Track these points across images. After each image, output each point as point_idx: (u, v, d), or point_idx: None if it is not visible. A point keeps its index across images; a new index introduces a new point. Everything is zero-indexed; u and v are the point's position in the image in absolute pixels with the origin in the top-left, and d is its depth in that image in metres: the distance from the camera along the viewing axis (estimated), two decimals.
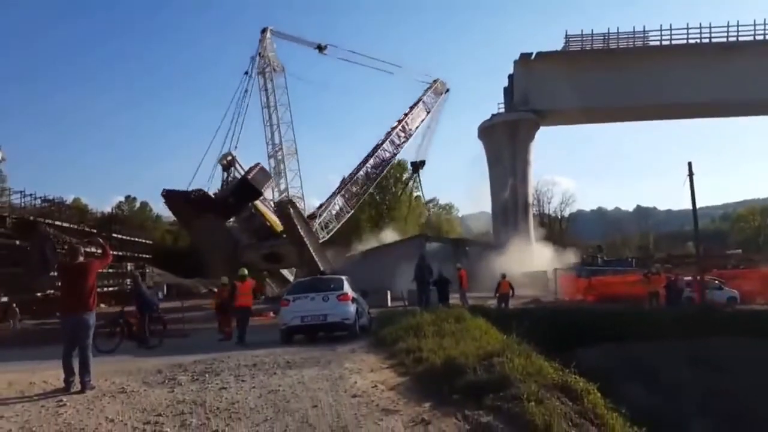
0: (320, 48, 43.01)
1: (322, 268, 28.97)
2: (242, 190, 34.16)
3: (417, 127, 45.27)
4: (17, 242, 37.22)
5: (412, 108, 44.82)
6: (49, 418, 5.88)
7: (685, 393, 12.81)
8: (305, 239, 34.00)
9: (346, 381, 6.97)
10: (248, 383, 7.06)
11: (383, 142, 42.90)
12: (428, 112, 46.32)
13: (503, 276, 24.12)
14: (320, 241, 37.89)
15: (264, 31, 40.56)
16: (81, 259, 7.45)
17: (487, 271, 31.83)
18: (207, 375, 7.72)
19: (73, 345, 7.18)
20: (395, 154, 45.09)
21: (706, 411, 11.74)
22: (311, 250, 34.20)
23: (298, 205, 37.58)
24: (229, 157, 35.78)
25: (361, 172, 42.41)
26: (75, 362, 7.20)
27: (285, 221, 34.54)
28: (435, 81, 47.48)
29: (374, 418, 5.37)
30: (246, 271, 15.52)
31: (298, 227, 34.01)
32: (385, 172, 46.95)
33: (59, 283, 7.46)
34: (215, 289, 19.26)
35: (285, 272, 40.09)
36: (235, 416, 5.65)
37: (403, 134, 44.20)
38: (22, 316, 32.25)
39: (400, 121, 43.84)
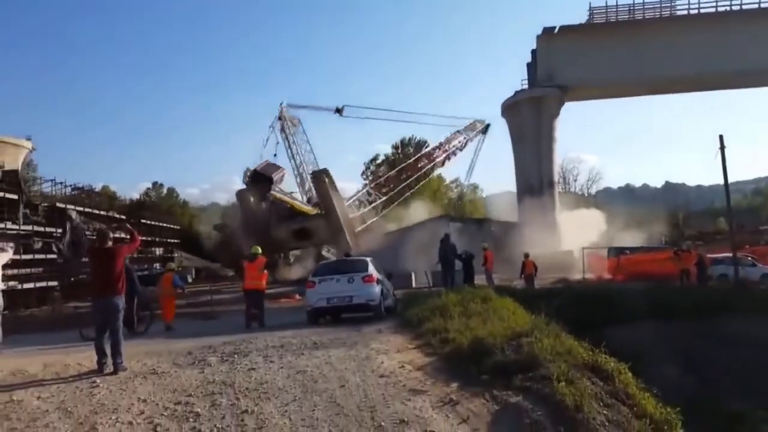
0: (338, 111, 45.90)
1: (350, 249, 29.99)
2: (256, 179, 39.67)
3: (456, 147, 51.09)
4: (48, 229, 38.06)
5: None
6: (84, 398, 6.01)
7: (720, 373, 12.55)
8: (336, 207, 36.34)
9: (373, 361, 6.97)
10: (276, 364, 7.11)
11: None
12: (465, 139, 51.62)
13: (526, 255, 23.97)
14: (356, 230, 39.93)
15: (281, 104, 44.26)
16: (110, 243, 7.56)
17: (512, 251, 31.56)
18: (236, 356, 7.80)
19: (104, 328, 7.32)
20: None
21: (741, 391, 11.49)
22: (341, 220, 36.41)
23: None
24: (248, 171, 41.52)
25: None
26: (107, 344, 7.34)
27: (319, 188, 37.39)
28: (472, 122, 53.33)
29: (402, 398, 5.36)
30: (259, 249, 14.48)
31: (331, 194, 38.21)
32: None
33: (90, 268, 7.56)
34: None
35: (326, 254, 41.38)
36: (264, 396, 5.70)
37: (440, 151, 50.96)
38: (63, 301, 33.19)
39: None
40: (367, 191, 46.49)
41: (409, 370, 6.45)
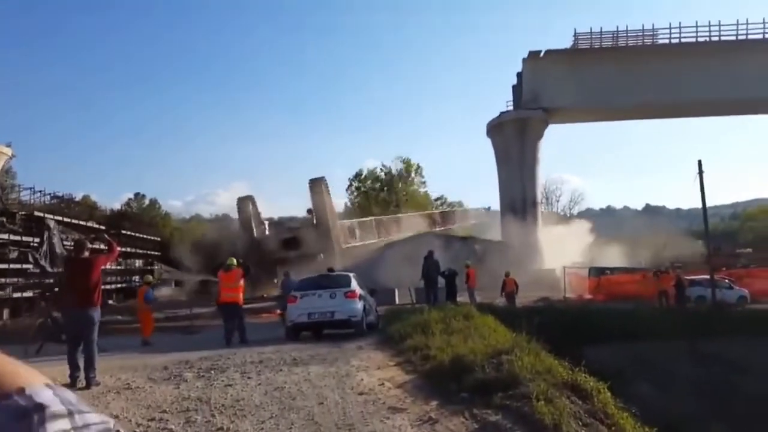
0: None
1: (335, 256, 30.61)
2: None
3: None
4: (25, 238, 37.35)
5: None
6: None
7: (697, 393, 12.64)
8: (328, 217, 37.38)
9: (352, 378, 6.90)
10: (254, 380, 7.00)
11: None
12: None
13: (507, 274, 24.16)
14: (343, 246, 40.91)
15: None
16: (87, 254, 7.42)
17: (495, 269, 31.66)
18: (213, 372, 7.68)
19: (77, 340, 7.15)
20: None
21: (719, 411, 11.57)
22: (330, 227, 37.58)
23: None
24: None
25: None
26: (80, 358, 7.18)
27: (315, 196, 38.80)
28: None
29: (381, 416, 5.30)
30: (234, 260, 13.62)
31: (325, 203, 40.41)
32: None
33: (65, 278, 7.41)
34: None
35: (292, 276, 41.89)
36: (240, 413, 5.60)
37: None
38: (47, 310, 32.45)
39: None
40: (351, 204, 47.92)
41: (389, 387, 6.39)
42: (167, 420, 5.49)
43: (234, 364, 8.29)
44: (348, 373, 7.20)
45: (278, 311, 17.27)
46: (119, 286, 49.51)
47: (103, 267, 7.46)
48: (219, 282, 13.45)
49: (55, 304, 14.96)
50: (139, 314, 15.64)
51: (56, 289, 37.30)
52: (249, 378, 7.14)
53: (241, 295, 13.31)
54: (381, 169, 75.70)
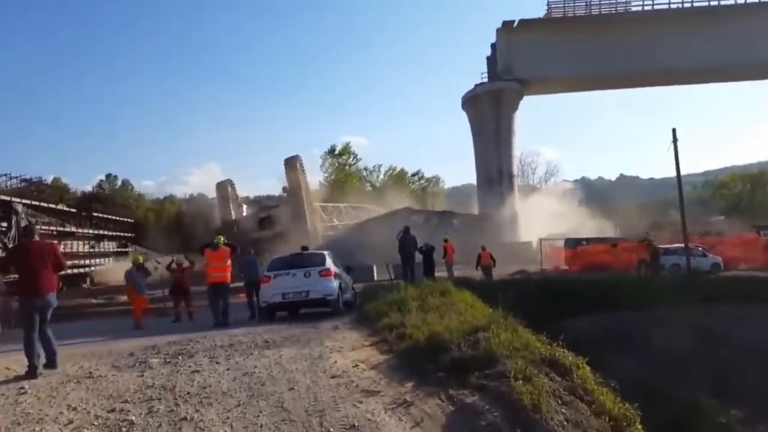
0: None
1: (308, 234, 30.65)
2: None
3: None
4: None
5: None
6: (8, 407, 5.51)
7: (675, 362, 12.72)
8: (302, 193, 38.04)
9: (325, 361, 6.66)
10: (222, 365, 6.72)
11: None
12: None
13: (483, 248, 24.06)
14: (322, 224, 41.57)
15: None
16: (37, 238, 7.03)
17: (473, 243, 31.66)
18: (180, 357, 7.37)
19: (35, 327, 6.79)
20: None
21: (698, 380, 11.65)
22: (305, 204, 38.41)
23: None
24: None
25: None
26: (40, 346, 6.82)
27: (290, 173, 39.57)
28: None
29: (353, 399, 5.07)
30: (221, 238, 13.17)
31: (300, 180, 41.62)
32: None
33: (20, 266, 6.99)
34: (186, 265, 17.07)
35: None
36: (206, 401, 5.32)
37: None
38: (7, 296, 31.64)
39: None
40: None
41: (363, 369, 6.16)
42: (128, 411, 5.19)
43: (203, 348, 7.99)
44: (321, 355, 6.96)
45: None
46: (91, 269, 48.66)
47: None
48: (207, 260, 12.69)
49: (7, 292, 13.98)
50: (128, 296, 14.83)
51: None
52: (217, 363, 6.85)
53: (228, 275, 12.70)
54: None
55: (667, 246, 28.26)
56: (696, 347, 13.40)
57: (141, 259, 15.44)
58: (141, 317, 14.23)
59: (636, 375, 10.11)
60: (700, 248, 28.17)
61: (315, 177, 65.70)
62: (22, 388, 6.19)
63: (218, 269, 12.49)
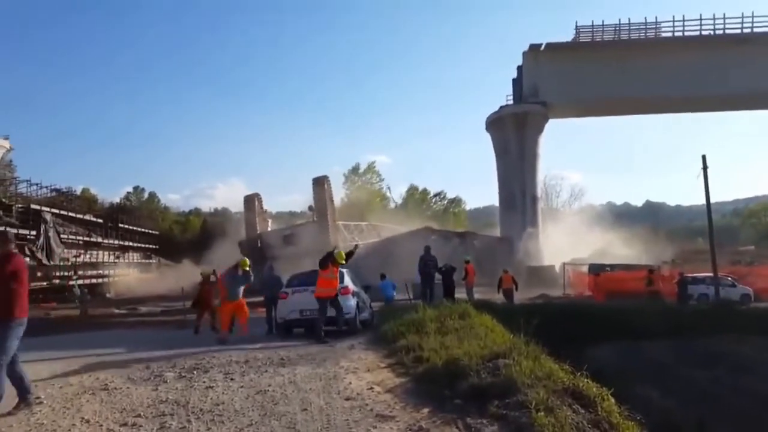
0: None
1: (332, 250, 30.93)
2: None
3: None
4: (22, 231, 37.03)
5: None
6: (22, 418, 5.49)
7: (702, 395, 12.26)
8: (328, 213, 41.86)
9: (340, 381, 6.53)
10: (237, 382, 6.64)
11: None
12: None
13: (505, 271, 23.80)
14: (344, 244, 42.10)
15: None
16: (13, 246, 5.90)
17: (494, 265, 31.33)
18: (195, 372, 7.32)
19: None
20: None
21: (725, 414, 11.20)
22: (328, 223, 38.64)
23: None
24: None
25: None
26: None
27: (318, 192, 42.62)
28: None
29: (367, 424, 4.92)
30: (248, 261, 13.31)
31: (326, 200, 42.40)
32: None
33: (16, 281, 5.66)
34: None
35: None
36: (218, 419, 5.23)
37: None
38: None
39: None
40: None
41: (378, 392, 6.02)
42: (140, 426, 5.13)
43: (219, 363, 7.93)
44: (336, 376, 6.83)
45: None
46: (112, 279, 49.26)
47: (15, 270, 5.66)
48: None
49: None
50: (222, 304, 13.09)
51: (45, 284, 37.01)
52: (232, 380, 6.77)
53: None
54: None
55: (695, 275, 27.61)
56: (724, 379, 12.91)
57: (247, 261, 13.51)
58: (230, 327, 13.02)
59: (662, 407, 9.74)
60: (729, 278, 27.46)
61: (336, 194, 66.01)
62: (38, 398, 6.18)
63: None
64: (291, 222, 53.35)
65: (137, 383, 6.85)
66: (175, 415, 5.41)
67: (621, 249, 46.48)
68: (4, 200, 37.93)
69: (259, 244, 44.29)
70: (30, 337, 14.55)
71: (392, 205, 76.92)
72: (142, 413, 5.51)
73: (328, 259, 11.60)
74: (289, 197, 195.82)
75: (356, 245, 13.55)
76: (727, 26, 49.43)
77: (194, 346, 10.38)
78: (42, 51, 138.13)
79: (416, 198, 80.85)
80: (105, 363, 8.58)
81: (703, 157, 24.46)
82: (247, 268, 12.79)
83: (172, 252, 62.03)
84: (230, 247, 44.88)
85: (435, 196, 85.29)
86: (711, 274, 24.83)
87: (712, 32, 49.71)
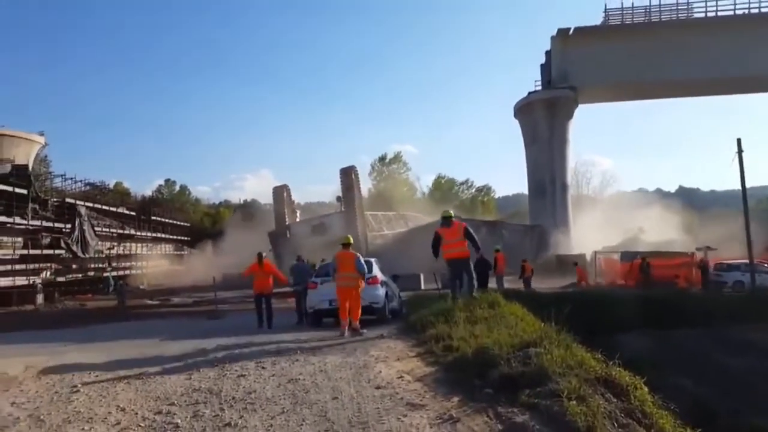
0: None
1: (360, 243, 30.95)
2: None
3: None
4: (57, 225, 37.96)
5: None
6: (60, 405, 5.67)
7: (737, 383, 12.00)
8: (355, 202, 42.16)
9: (370, 370, 6.55)
10: (268, 371, 6.72)
11: None
12: None
13: (524, 260, 24.59)
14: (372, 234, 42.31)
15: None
16: None
17: (523, 254, 31.04)
18: (227, 361, 7.42)
19: None
20: None
21: (761, 402, 10.93)
22: (356, 213, 38.81)
23: None
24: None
25: None
26: None
27: (346, 181, 42.75)
28: None
29: (398, 412, 4.93)
30: (264, 253, 14.38)
31: (354, 189, 42.59)
32: None
33: None
34: None
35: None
36: (250, 407, 5.30)
37: None
38: (64, 297, 33.07)
39: None
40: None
41: (408, 381, 6.02)
42: (174, 413, 5.23)
43: (250, 352, 8.04)
44: (366, 365, 6.86)
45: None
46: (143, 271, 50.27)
47: None
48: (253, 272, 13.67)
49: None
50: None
51: (80, 276, 37.88)
52: (263, 368, 6.85)
53: (270, 285, 13.66)
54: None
55: (730, 261, 26.99)
56: (756, 367, 12.60)
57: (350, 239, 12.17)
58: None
59: (696, 396, 9.55)
60: (766, 265, 26.74)
61: (364, 184, 66.14)
62: (75, 386, 6.36)
63: (262, 280, 13.47)
64: (319, 212, 53.57)
65: (171, 372, 6.98)
66: (208, 403, 5.50)
67: (653, 236, 45.52)
68: (40, 195, 38.79)
69: (288, 235, 44.62)
70: (68, 328, 15.08)
71: (419, 194, 76.71)
72: (175, 401, 5.61)
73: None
74: (317, 187, 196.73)
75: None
76: (762, 4, 47.80)
77: (226, 336, 10.55)
78: (74, 47, 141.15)
79: (443, 187, 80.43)
80: (139, 352, 8.78)
81: (738, 141, 23.81)
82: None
83: (205, 244, 63.04)
84: (259, 237, 45.39)
85: (462, 184, 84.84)
86: (746, 261, 24.19)
87: (746, 11, 48.11)
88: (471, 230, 11.57)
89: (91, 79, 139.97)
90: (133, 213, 53.08)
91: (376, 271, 13.07)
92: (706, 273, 25.06)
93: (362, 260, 11.05)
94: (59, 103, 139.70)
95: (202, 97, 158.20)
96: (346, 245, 11.03)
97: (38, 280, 32.54)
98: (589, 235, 43.38)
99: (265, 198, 63.18)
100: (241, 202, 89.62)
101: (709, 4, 48.68)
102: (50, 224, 37.07)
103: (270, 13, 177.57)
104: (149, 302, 30.23)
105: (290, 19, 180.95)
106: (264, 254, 14.17)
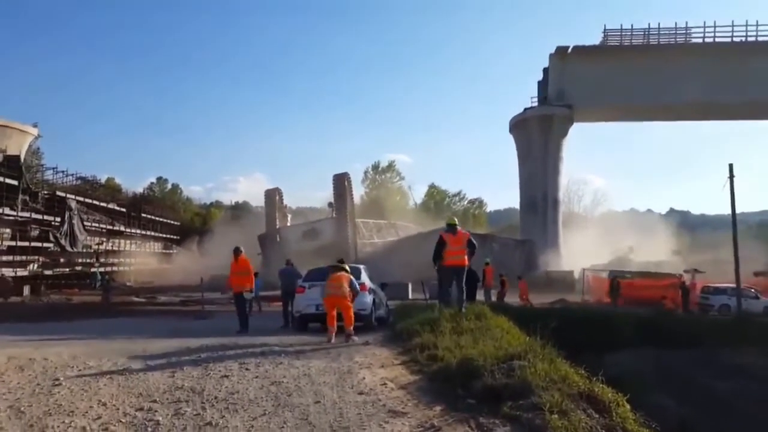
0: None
1: (349, 250, 30.78)
2: None
3: None
4: (47, 217, 37.70)
5: None
6: (41, 397, 5.61)
7: (722, 405, 12.07)
8: (347, 208, 42.01)
9: (354, 376, 6.55)
10: (252, 372, 6.69)
11: None
12: None
13: (501, 275, 25.29)
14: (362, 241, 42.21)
15: None
16: None
17: (513, 268, 31.16)
18: (211, 361, 7.38)
19: None
20: None
21: (746, 425, 10.99)
22: (347, 220, 38.94)
23: None
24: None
25: None
26: None
27: (338, 188, 42.76)
28: None
29: (379, 419, 4.93)
30: (241, 248, 13.32)
31: (346, 196, 42.59)
32: None
33: None
34: None
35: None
36: (232, 407, 5.29)
37: None
38: (50, 291, 32.80)
39: None
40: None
41: (392, 388, 6.02)
42: (156, 411, 5.20)
43: (235, 353, 7.99)
44: (350, 370, 6.85)
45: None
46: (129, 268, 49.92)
47: None
48: (231, 270, 13.12)
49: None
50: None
51: (68, 270, 37.57)
52: (247, 370, 6.82)
53: (247, 283, 12.99)
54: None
55: (717, 285, 27.20)
56: (741, 390, 12.68)
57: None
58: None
59: (679, 416, 9.60)
60: (752, 290, 26.96)
61: (356, 191, 66.16)
62: (57, 380, 6.31)
63: (238, 277, 12.96)
64: (310, 218, 53.50)
65: (154, 369, 6.93)
66: (189, 401, 5.48)
67: (643, 256, 45.81)
68: (31, 186, 38.55)
69: (278, 239, 44.49)
70: (53, 321, 14.96)
71: (412, 204, 76.82)
72: (157, 399, 5.58)
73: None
74: (309, 193, 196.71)
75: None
76: (760, 33, 48.46)
77: (211, 336, 10.49)
78: (72, 40, 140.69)
79: (436, 198, 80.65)
80: (122, 348, 8.71)
81: (730, 166, 24.04)
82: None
83: (193, 243, 62.78)
84: (248, 239, 45.22)
85: (454, 196, 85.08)
86: (733, 285, 24.38)
87: (744, 38, 48.74)
88: (474, 241, 11.58)
89: (89, 73, 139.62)
90: (123, 209, 52.81)
91: (365, 278, 13.06)
92: (687, 295, 25.50)
93: (356, 283, 10.88)
94: (55, 96, 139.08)
95: (201, 98, 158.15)
96: (340, 268, 10.77)
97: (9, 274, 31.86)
98: (580, 253, 43.57)
99: (257, 201, 63.05)
100: (233, 203, 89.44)
101: (707, 29, 49.36)
102: (40, 216, 36.85)
103: (270, 20, 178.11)
104: (136, 299, 30.04)
105: (290, 27, 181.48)
106: (242, 249, 13.20)
